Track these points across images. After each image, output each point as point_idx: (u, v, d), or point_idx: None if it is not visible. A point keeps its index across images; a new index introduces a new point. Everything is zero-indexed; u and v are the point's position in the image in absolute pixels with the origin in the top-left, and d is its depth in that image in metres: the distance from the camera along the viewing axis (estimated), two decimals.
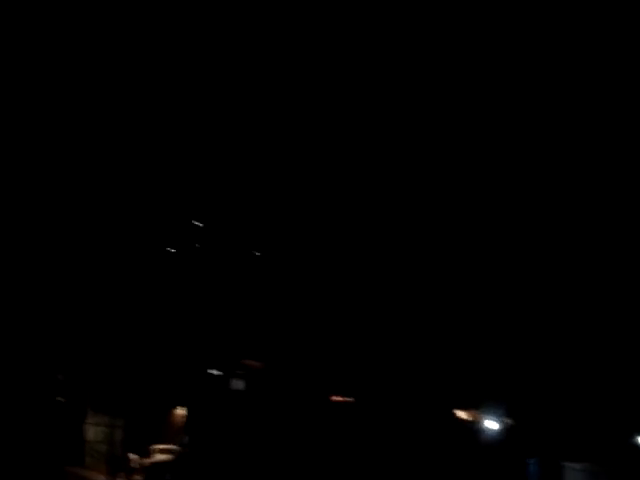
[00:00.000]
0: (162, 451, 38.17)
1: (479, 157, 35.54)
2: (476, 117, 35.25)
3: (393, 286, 36.92)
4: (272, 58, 35.93)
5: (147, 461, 37.41)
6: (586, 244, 33.68)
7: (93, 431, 40.55)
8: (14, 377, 39.14)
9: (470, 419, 35.78)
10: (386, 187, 36.83)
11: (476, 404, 35.35)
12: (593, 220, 33.63)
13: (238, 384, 37.65)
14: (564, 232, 34.06)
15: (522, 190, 35.11)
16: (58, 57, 36.38)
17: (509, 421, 34.48)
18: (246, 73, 36.42)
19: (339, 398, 37.65)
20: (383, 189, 36.84)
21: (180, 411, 39.94)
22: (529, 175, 34.83)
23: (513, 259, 34.97)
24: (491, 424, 34.45)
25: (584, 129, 33.61)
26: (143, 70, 36.75)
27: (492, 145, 35.13)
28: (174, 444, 38.45)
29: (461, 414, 35.98)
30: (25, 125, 37.00)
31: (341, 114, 36.49)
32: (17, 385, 39.51)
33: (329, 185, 37.40)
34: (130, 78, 36.77)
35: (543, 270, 34.39)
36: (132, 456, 37.54)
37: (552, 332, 33.99)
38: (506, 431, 34.37)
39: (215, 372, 38.95)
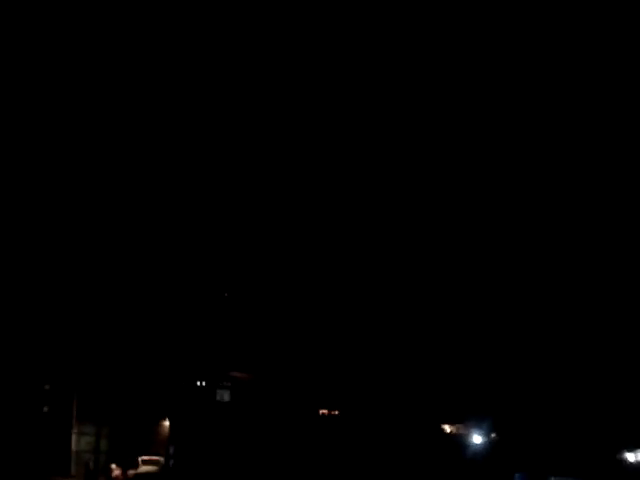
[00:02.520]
0: (147, 462, 37.94)
1: (478, 157, 35.64)
2: (476, 117, 35.31)
3: (379, 303, 36.81)
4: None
5: (132, 472, 37.17)
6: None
7: (79, 440, 40.28)
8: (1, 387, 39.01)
9: (456, 433, 35.62)
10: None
11: (462, 418, 35.18)
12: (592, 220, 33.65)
13: (224, 395, 37.45)
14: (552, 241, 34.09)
15: (522, 189, 35.20)
16: (63, 60, 36.35)
17: (495, 435, 34.31)
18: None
19: (325, 411, 37.50)
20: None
21: (167, 422, 39.72)
22: (528, 174, 34.91)
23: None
24: (477, 438, 34.30)
25: (584, 129, 33.67)
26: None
27: (491, 144, 35.21)
28: (160, 455, 38.22)
29: (447, 428, 35.84)
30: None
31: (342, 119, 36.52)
32: (3, 395, 39.35)
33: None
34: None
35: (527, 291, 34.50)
36: (114, 467, 37.28)
37: (538, 349, 33.85)
38: (492, 445, 34.18)
39: (201, 383, 38.76)
